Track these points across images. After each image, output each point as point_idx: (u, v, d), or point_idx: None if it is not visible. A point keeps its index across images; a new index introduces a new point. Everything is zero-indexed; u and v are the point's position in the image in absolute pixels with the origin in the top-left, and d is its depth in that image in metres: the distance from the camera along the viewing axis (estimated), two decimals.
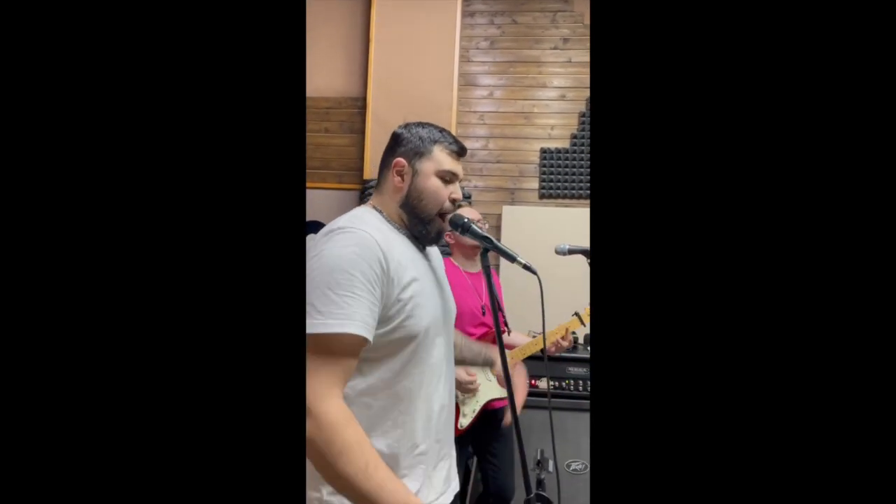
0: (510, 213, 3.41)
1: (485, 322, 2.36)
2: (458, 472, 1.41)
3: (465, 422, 2.26)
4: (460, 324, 2.30)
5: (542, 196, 3.50)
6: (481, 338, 2.32)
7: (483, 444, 2.41)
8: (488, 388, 2.32)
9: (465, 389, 2.22)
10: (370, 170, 3.40)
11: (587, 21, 3.50)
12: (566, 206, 3.45)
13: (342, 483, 1.05)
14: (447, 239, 2.42)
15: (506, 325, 2.44)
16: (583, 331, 2.77)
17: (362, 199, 3.43)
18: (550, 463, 2.34)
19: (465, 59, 3.52)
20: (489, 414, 2.32)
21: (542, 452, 2.47)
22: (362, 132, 3.46)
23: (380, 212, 1.28)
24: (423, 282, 1.23)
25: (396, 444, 1.19)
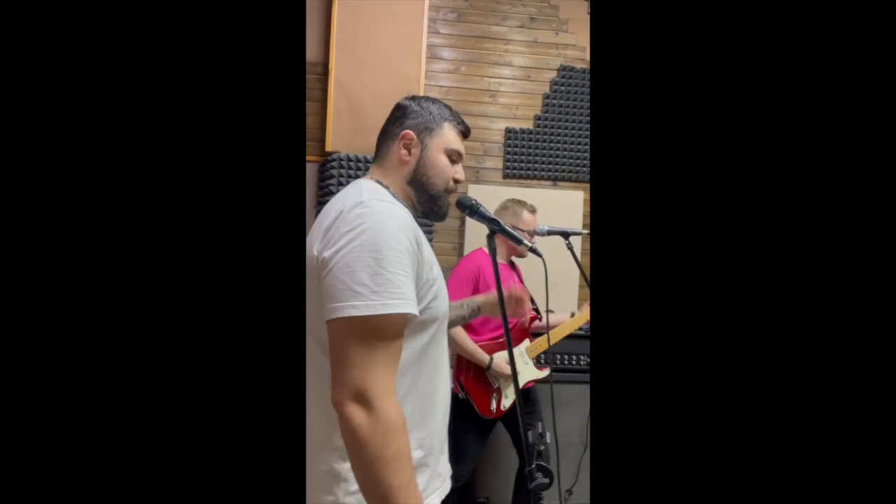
0: (475, 193, 3.35)
1: None
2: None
3: (507, 403, 2.52)
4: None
5: (505, 176, 3.48)
6: (515, 324, 2.57)
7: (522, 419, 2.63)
8: (526, 372, 2.58)
9: (507, 377, 2.45)
10: (333, 141, 3.18)
11: (554, 1, 3.50)
12: (530, 187, 3.46)
13: (380, 492, 0.95)
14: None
15: (536, 311, 2.64)
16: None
17: (323, 172, 3.21)
18: (548, 435, 2.54)
19: (431, 30, 3.37)
20: (524, 393, 2.62)
21: (541, 426, 2.67)
22: (323, 101, 3.22)
23: (386, 188, 1.20)
24: (437, 265, 1.20)
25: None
